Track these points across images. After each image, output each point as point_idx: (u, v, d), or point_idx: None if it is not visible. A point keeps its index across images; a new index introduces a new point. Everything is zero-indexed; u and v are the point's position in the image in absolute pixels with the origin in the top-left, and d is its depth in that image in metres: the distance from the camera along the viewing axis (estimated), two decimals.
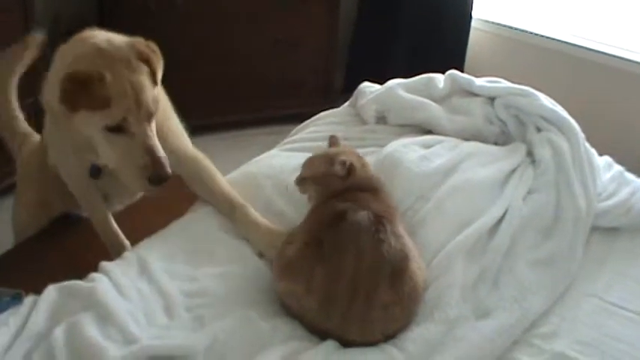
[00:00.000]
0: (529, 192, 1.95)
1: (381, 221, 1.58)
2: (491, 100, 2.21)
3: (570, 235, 1.85)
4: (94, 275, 1.68)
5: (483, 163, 1.99)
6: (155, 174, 1.72)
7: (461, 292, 1.65)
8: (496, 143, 2.19)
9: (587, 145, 2.10)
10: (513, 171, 2.01)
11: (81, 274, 1.70)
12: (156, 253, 1.76)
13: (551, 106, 2.12)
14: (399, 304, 1.55)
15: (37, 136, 2.35)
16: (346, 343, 1.53)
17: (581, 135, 2.09)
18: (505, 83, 2.26)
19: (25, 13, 3.05)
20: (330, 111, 2.43)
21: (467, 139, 2.15)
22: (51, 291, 1.62)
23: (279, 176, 2.01)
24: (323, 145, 2.10)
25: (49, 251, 2.25)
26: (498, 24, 3.89)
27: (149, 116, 1.74)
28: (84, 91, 1.65)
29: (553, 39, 3.69)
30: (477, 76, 2.34)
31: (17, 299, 1.85)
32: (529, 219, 1.87)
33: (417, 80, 2.34)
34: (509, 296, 1.68)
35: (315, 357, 1.48)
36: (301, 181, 1.78)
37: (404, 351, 1.52)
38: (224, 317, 1.57)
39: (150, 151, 1.72)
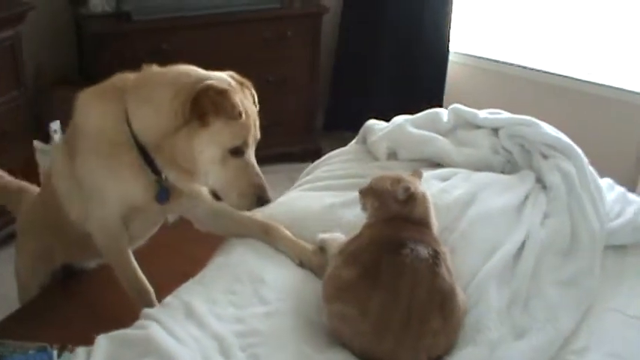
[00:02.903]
0: (544, 217, 2.02)
1: (437, 256, 1.66)
2: (495, 130, 2.29)
3: (588, 254, 1.94)
4: (142, 322, 1.69)
5: (498, 192, 2.07)
6: (263, 196, 1.84)
7: (497, 316, 1.72)
8: (503, 172, 2.26)
9: (591, 168, 2.18)
10: (526, 198, 2.08)
11: (104, 324, 1.71)
12: (198, 297, 1.78)
13: (554, 133, 2.21)
14: (446, 331, 1.63)
15: (34, 188, 2.37)
16: None
17: (585, 159, 2.17)
18: (506, 114, 2.35)
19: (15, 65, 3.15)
20: (340, 150, 2.48)
21: (476, 170, 2.22)
22: (101, 341, 1.62)
23: (302, 222, 2.05)
24: (341, 182, 2.18)
25: (65, 302, 2.26)
26: (475, 56, 4.03)
27: (256, 141, 1.86)
28: (224, 101, 1.73)
29: (531, 69, 3.83)
30: None
31: (43, 352, 1.87)
32: (548, 242, 1.94)
33: (424, 116, 2.41)
34: (541, 317, 1.75)
35: None
36: (365, 192, 1.82)
37: None
38: (279, 354, 1.61)
39: (259, 175, 1.84)
